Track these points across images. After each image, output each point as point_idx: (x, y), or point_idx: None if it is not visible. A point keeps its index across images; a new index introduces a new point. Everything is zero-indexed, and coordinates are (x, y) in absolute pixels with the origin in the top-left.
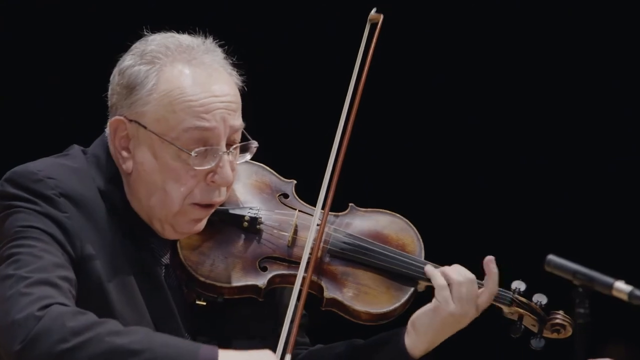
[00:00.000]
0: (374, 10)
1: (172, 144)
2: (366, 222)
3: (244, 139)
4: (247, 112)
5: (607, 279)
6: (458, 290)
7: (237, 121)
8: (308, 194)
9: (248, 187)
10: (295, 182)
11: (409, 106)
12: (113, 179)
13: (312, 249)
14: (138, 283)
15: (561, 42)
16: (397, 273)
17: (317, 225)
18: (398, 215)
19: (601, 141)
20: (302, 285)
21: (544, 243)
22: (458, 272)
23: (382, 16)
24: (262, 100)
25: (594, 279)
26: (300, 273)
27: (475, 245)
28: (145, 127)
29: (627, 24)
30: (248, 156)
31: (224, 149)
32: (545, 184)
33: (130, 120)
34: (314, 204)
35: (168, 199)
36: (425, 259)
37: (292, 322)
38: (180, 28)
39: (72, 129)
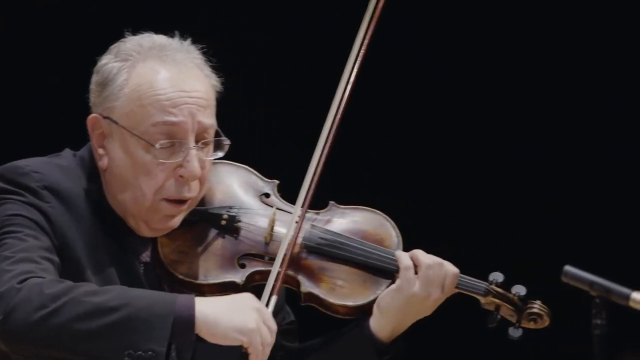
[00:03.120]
0: None
1: (141, 138)
2: (345, 219)
3: (217, 137)
4: (242, 113)
5: (624, 289)
6: (425, 272)
7: (208, 119)
8: (294, 195)
9: (229, 187)
10: (277, 182)
11: (402, 99)
12: (94, 178)
13: (288, 244)
14: (118, 279)
15: (555, 35)
16: (372, 267)
17: (296, 222)
18: (378, 211)
19: (595, 134)
20: (275, 279)
21: (541, 240)
22: (426, 255)
23: None
24: (256, 101)
25: (611, 289)
26: (275, 267)
27: (470, 239)
28: (116, 123)
29: (620, 17)
30: (220, 154)
31: (192, 144)
32: (539, 177)
33: (105, 117)
34: (295, 203)
35: (139, 194)
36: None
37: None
38: (180, 28)
39: (72, 129)
